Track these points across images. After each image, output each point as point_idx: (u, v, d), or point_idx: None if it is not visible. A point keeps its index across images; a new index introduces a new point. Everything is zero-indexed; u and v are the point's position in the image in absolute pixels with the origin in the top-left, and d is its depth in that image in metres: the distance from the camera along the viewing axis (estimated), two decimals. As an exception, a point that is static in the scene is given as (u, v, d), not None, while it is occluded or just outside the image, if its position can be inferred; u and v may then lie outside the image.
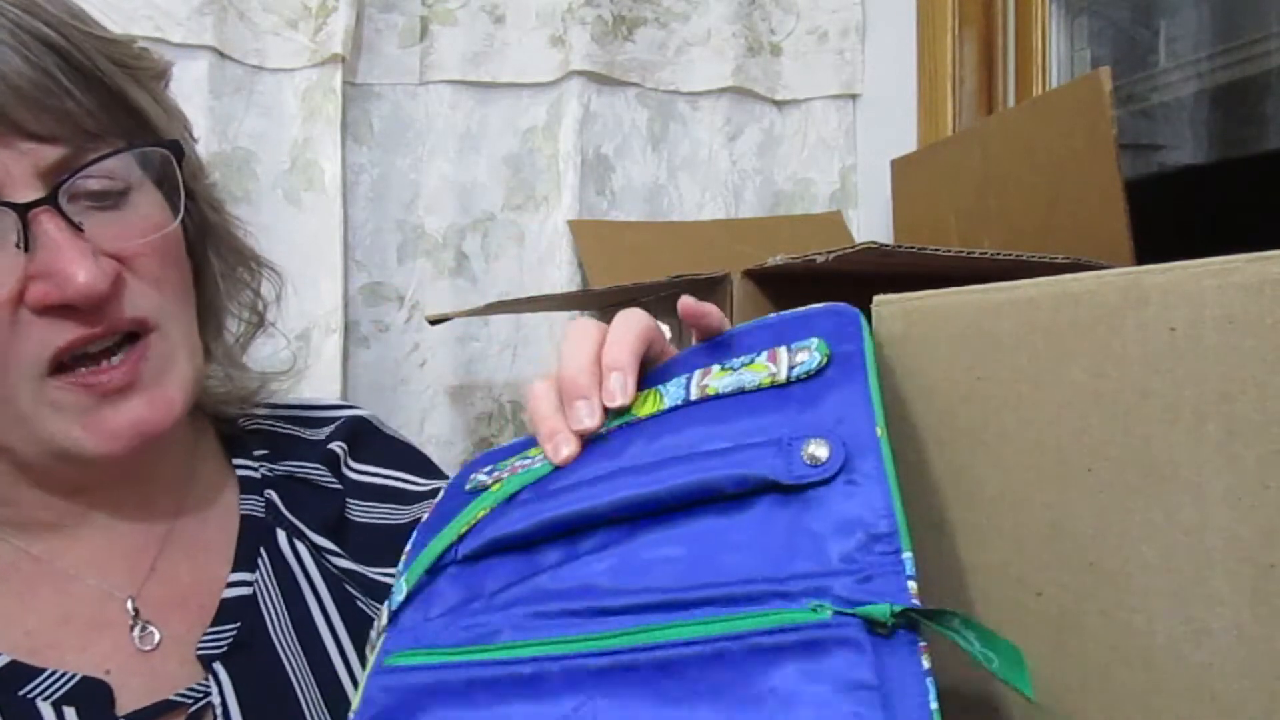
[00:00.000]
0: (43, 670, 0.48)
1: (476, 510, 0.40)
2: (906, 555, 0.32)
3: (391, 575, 0.59)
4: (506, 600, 0.36)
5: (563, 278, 1.21)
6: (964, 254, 0.57)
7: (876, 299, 0.44)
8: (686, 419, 0.39)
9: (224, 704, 0.50)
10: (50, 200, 0.46)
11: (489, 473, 0.44)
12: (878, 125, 1.32)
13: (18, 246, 0.45)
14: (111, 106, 0.49)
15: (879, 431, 0.35)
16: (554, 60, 1.22)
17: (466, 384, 1.21)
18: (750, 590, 0.32)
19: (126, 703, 0.49)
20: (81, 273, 0.45)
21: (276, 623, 0.55)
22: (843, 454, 0.34)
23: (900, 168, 1.16)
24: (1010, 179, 0.92)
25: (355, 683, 0.55)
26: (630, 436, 0.40)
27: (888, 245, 0.59)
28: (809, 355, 0.39)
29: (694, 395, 0.40)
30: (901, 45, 1.28)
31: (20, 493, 0.52)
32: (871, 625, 0.30)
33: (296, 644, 0.55)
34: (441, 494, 0.45)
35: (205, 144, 1.07)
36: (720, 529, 0.35)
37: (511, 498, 0.40)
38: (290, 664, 0.54)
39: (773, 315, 0.42)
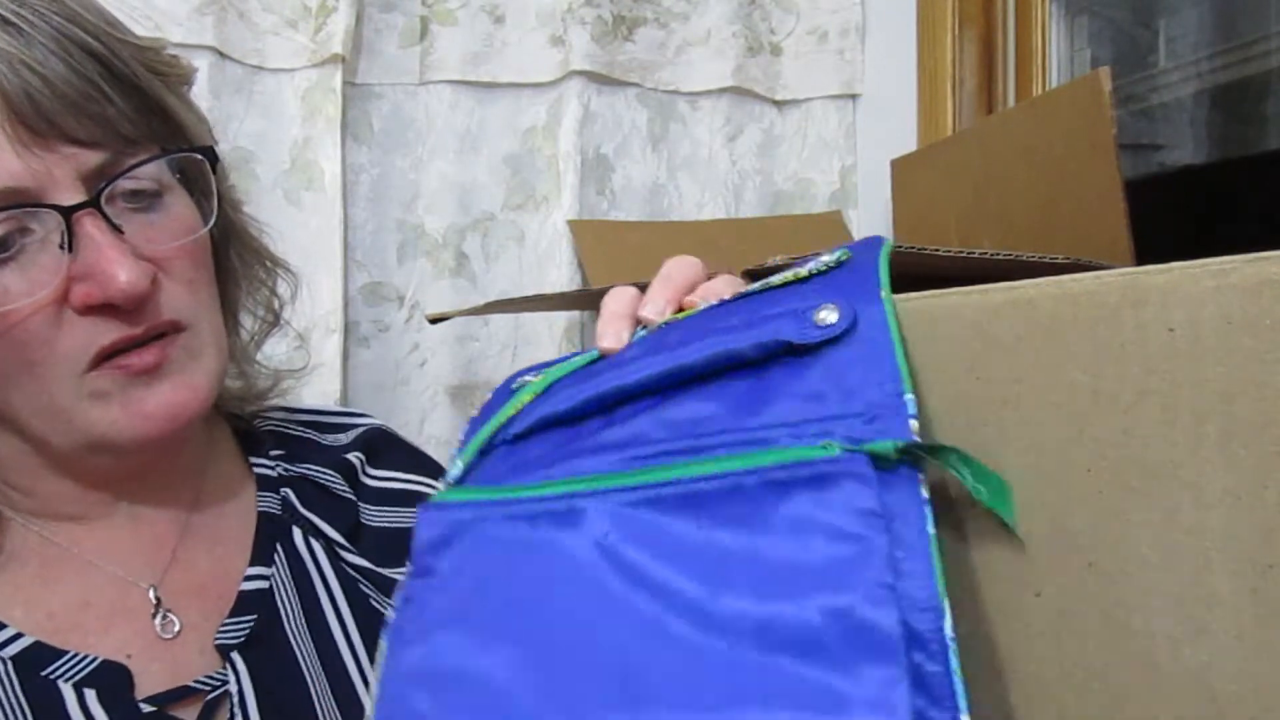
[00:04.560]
0: (65, 652, 0.49)
1: (522, 397, 0.44)
2: (909, 396, 0.35)
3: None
4: (549, 460, 0.40)
5: (563, 278, 1.21)
6: (964, 254, 0.57)
7: (876, 299, 0.44)
8: (719, 312, 0.43)
9: (241, 693, 0.51)
10: (93, 203, 0.47)
11: (533, 374, 0.47)
12: (878, 125, 1.32)
13: (61, 248, 0.47)
14: (148, 112, 0.50)
15: (883, 294, 0.38)
16: (554, 60, 1.22)
17: (466, 384, 1.21)
18: (768, 435, 0.36)
19: (146, 687, 0.50)
20: (123, 273, 0.46)
21: (291, 617, 0.55)
22: (851, 315, 0.38)
23: (900, 168, 1.16)
24: (1010, 179, 0.92)
25: (364, 678, 0.56)
26: (668, 330, 0.43)
27: (887, 245, 0.59)
28: (830, 257, 0.42)
29: (727, 298, 0.43)
30: (901, 45, 1.28)
31: (48, 485, 0.53)
32: (876, 460, 0.33)
33: (309, 639, 0.55)
34: (490, 395, 0.48)
35: (205, 144, 1.07)
36: (742, 389, 0.38)
37: (555, 383, 0.44)
38: (303, 658, 0.55)
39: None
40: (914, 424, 0.34)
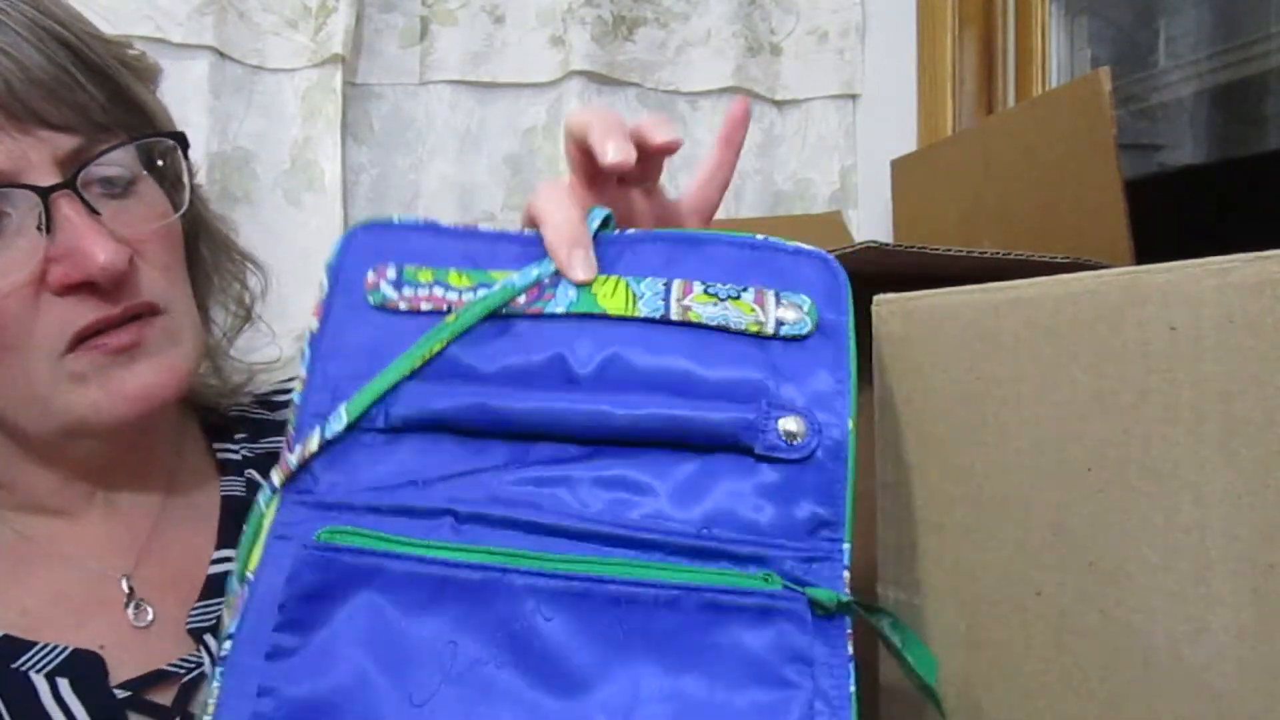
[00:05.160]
0: (35, 643, 0.49)
1: (413, 361, 0.38)
2: (845, 546, 0.36)
3: None
4: (448, 493, 0.36)
5: (563, 278, 1.21)
6: (964, 254, 0.57)
7: (876, 299, 0.44)
8: (666, 342, 0.39)
9: None
10: (70, 184, 0.48)
11: (396, 285, 0.40)
12: (878, 125, 1.32)
13: (39, 229, 0.47)
14: (119, 100, 0.51)
15: (850, 424, 0.37)
16: (554, 60, 1.22)
17: (466, 384, 1.21)
18: (701, 545, 0.35)
19: (120, 675, 0.50)
20: (102, 253, 0.47)
21: None
22: (815, 440, 0.37)
23: (900, 168, 1.16)
24: (1010, 179, 0.92)
25: None
26: (601, 336, 0.39)
27: (888, 245, 0.59)
28: (798, 316, 0.39)
29: (675, 315, 0.39)
30: (901, 45, 1.28)
31: (25, 477, 0.53)
32: (813, 605, 0.34)
33: None
34: (324, 289, 0.40)
35: (205, 144, 1.07)
36: (681, 476, 0.37)
37: (452, 361, 0.38)
38: None
39: (759, 239, 0.42)
40: (846, 575, 0.35)
